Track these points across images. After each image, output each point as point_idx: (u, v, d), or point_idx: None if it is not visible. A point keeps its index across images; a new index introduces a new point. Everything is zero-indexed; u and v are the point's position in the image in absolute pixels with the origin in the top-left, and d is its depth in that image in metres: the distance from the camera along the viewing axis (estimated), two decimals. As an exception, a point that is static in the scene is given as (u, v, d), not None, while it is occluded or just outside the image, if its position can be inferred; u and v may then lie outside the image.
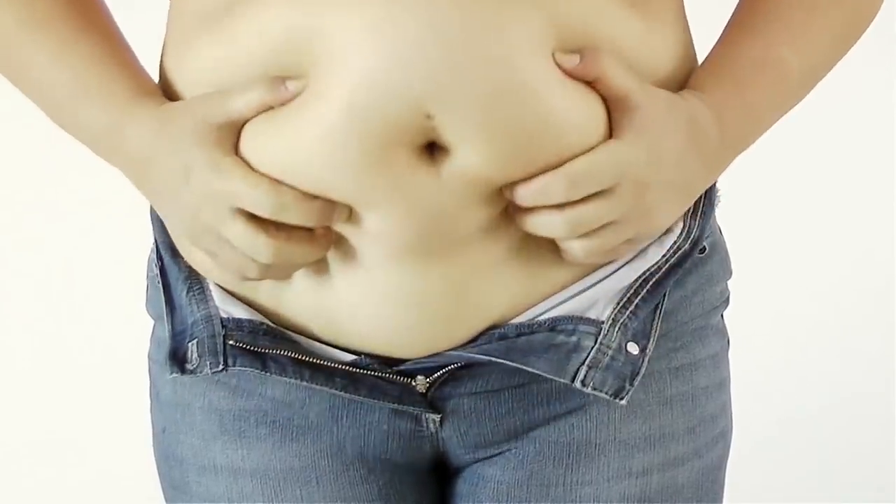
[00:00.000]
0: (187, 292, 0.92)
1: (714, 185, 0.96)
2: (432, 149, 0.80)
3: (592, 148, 0.81)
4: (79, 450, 2.15)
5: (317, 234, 0.84)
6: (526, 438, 0.95)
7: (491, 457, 0.97)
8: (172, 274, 0.93)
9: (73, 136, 0.91)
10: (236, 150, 0.82)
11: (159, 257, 0.95)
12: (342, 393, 0.90)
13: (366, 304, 0.87)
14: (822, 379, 2.20)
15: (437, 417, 0.94)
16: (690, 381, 0.96)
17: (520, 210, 0.83)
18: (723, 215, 1.00)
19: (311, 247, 0.84)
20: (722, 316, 1.02)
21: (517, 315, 0.89)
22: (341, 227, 0.84)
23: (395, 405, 0.92)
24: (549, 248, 0.87)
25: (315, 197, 0.81)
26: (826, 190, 2.20)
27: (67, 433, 2.14)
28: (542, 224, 0.83)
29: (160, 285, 0.94)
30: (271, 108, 0.80)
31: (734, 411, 1.02)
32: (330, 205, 0.81)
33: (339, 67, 0.77)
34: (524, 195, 0.81)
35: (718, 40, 0.93)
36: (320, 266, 0.87)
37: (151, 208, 0.94)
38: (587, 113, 0.81)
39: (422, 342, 0.89)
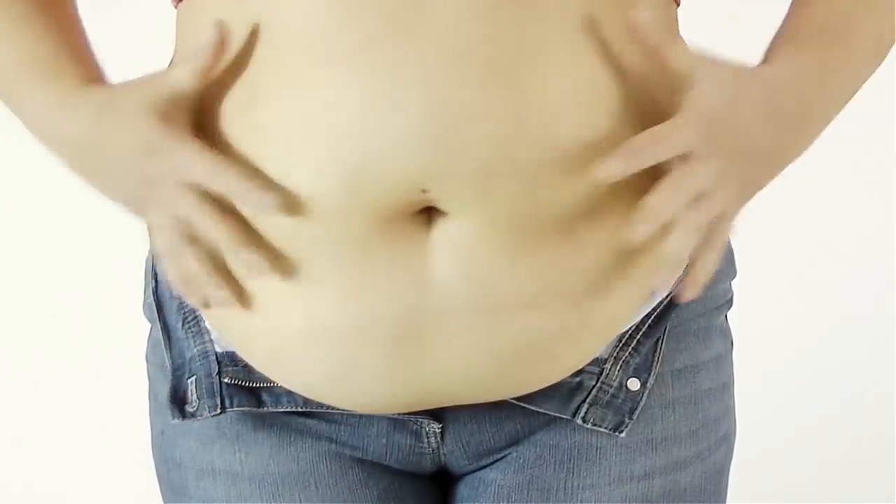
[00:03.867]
0: (183, 324, 0.92)
1: None
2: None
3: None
4: (79, 451, 2.15)
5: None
6: (527, 442, 0.95)
7: (492, 463, 0.96)
8: (167, 301, 0.93)
9: (17, 117, 0.89)
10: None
11: (154, 277, 0.94)
12: (339, 411, 0.91)
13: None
14: (825, 380, 2.20)
15: (438, 428, 0.94)
16: (693, 383, 0.96)
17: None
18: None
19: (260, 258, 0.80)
20: (726, 317, 1.01)
21: None
22: None
23: (395, 415, 0.92)
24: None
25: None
26: (832, 190, 2.19)
27: (67, 434, 2.14)
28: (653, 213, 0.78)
29: (156, 311, 0.94)
30: (216, 73, 0.79)
31: (737, 413, 1.01)
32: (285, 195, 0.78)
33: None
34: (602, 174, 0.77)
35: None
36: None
37: None
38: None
39: (424, 399, 0.87)
